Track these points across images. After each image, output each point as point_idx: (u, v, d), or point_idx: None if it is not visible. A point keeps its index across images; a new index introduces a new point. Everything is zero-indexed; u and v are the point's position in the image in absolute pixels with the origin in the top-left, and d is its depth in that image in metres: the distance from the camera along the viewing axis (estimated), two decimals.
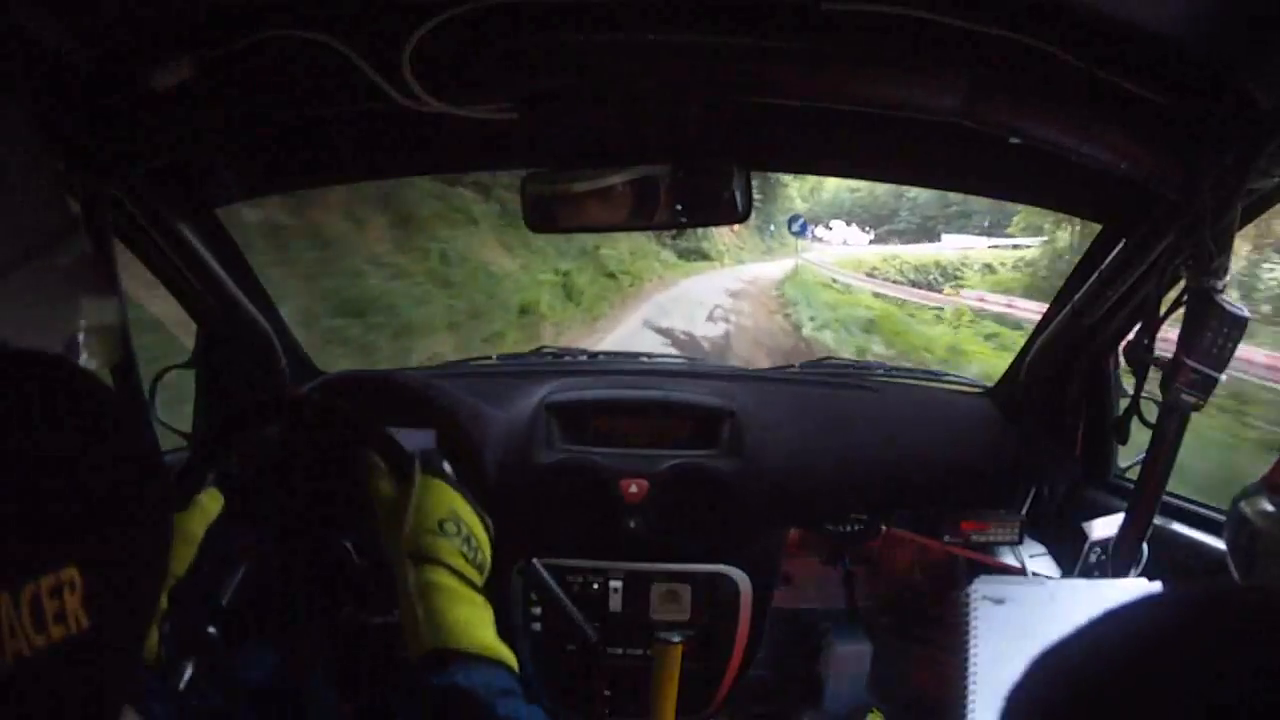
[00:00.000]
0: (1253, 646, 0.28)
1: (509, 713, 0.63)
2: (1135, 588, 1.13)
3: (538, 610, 1.32)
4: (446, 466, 0.80)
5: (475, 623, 0.70)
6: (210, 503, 0.88)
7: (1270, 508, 0.86)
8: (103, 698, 0.38)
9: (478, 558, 0.76)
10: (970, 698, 1.11)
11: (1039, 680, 0.33)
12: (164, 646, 0.86)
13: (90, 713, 0.38)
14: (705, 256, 20.02)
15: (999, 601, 1.13)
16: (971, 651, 1.12)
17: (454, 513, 0.75)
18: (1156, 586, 1.12)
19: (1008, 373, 1.52)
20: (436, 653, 0.67)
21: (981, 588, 1.15)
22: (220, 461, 0.92)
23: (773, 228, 28.31)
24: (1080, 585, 1.19)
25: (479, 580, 0.75)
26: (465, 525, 0.76)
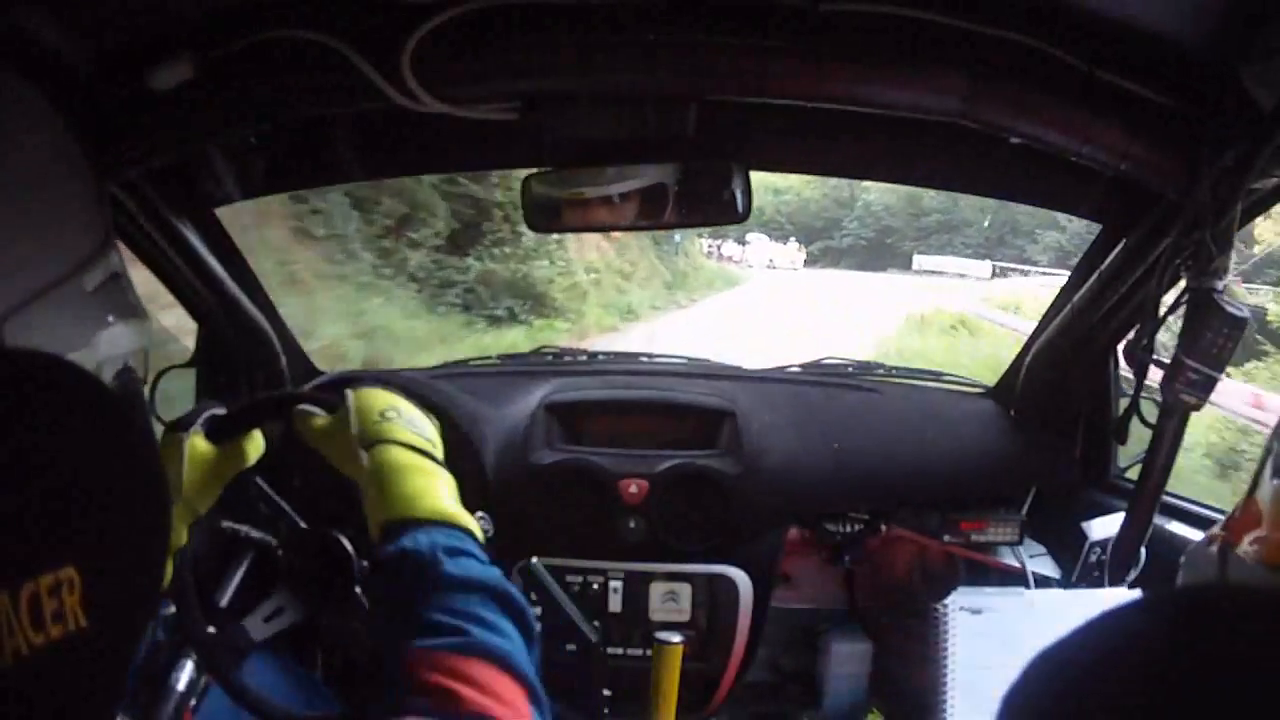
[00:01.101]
0: (1244, 646, 0.28)
1: (462, 571, 0.62)
2: (1115, 598, 1.13)
3: (538, 610, 1.32)
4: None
5: (428, 491, 0.69)
6: (251, 449, 0.86)
7: (1212, 565, 0.88)
8: (100, 696, 0.38)
9: (426, 433, 0.76)
10: (949, 705, 1.12)
11: (1036, 683, 0.33)
12: (174, 580, 0.85)
13: (88, 711, 0.38)
14: (541, 308, 8.56)
15: (976, 612, 1.16)
16: (949, 661, 1.14)
17: (392, 404, 0.76)
18: (1136, 595, 1.12)
19: (1008, 372, 1.52)
20: (389, 525, 0.67)
21: (959, 599, 1.17)
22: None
23: (678, 238, 15.80)
24: (1057, 595, 1.21)
25: (434, 449, 0.75)
26: (405, 410, 0.76)
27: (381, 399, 0.77)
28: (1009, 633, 1.14)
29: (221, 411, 0.87)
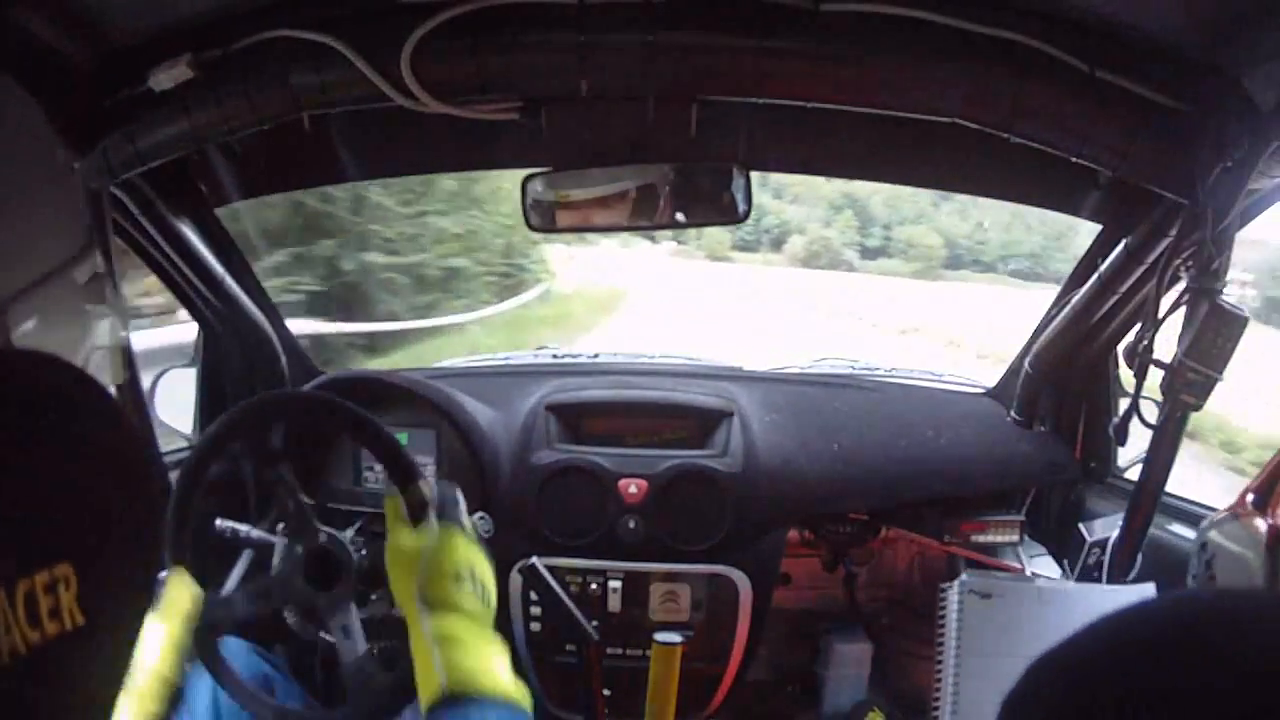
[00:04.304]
0: (1246, 652, 0.28)
1: None
2: (1127, 593, 1.13)
3: (537, 610, 1.32)
4: (461, 509, 0.82)
5: (490, 668, 0.71)
6: (182, 596, 0.84)
7: (1240, 532, 0.89)
8: (98, 694, 0.38)
9: (490, 602, 0.78)
10: (949, 685, 1.12)
11: (1038, 683, 0.33)
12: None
13: (86, 709, 0.38)
14: None
15: (985, 596, 1.16)
16: (951, 641, 1.14)
17: (470, 564, 0.77)
18: (1149, 591, 1.12)
19: (1008, 373, 1.52)
20: (449, 694, 0.68)
21: (969, 581, 1.17)
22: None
23: None
24: (1071, 588, 1.20)
25: (490, 619, 0.77)
26: (478, 576, 0.77)
27: (460, 553, 0.77)
28: (1015, 620, 1.14)
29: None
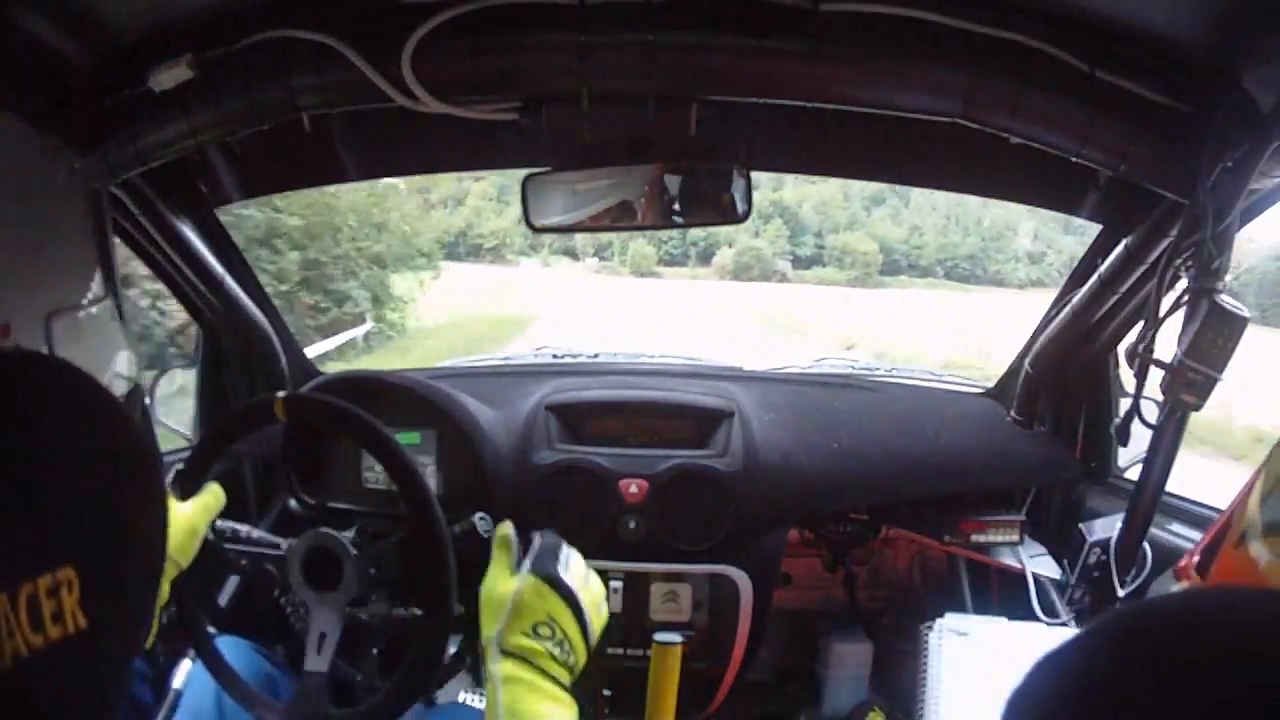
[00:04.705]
0: (1248, 651, 0.28)
1: None
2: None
3: None
4: (561, 566, 0.81)
5: (552, 717, 0.72)
6: (212, 499, 0.90)
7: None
8: (101, 697, 0.38)
9: (570, 659, 0.78)
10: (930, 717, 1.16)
11: (1041, 680, 0.33)
12: (160, 638, 0.86)
13: (89, 712, 0.38)
14: None
15: (962, 634, 1.21)
16: (932, 676, 1.19)
17: (551, 618, 0.77)
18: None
19: (1008, 373, 1.52)
20: None
21: (946, 622, 1.23)
22: (221, 461, 0.92)
23: None
24: (1036, 628, 1.25)
25: (567, 679, 0.77)
26: (560, 630, 0.77)
27: (544, 606, 0.77)
28: (991, 657, 1.19)
29: (179, 466, 0.90)
